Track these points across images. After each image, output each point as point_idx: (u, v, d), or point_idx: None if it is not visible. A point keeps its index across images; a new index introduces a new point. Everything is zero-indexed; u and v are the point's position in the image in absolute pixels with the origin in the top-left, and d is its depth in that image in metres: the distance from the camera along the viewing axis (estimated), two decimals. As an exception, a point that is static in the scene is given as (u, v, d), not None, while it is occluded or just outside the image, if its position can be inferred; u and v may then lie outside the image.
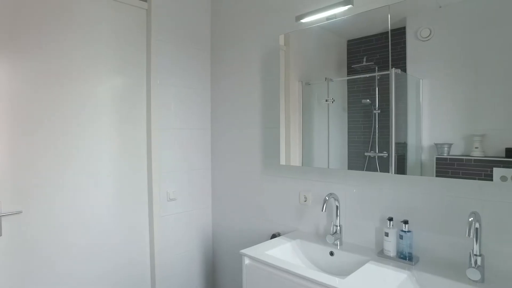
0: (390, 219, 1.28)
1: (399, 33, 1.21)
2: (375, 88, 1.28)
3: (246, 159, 1.92)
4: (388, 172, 1.25)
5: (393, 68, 1.21)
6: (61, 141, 1.52)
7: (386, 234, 1.27)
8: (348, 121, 1.37)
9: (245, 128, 1.92)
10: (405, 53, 1.19)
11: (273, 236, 1.71)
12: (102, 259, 1.67)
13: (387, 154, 1.25)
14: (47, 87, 1.47)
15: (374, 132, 1.29)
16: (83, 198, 1.59)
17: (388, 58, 1.24)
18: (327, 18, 1.47)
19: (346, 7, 1.41)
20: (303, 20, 1.53)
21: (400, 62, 1.20)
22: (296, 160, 1.58)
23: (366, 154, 1.32)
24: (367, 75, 1.31)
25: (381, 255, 1.29)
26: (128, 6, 1.74)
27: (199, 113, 2.07)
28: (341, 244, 1.44)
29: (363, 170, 1.33)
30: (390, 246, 1.26)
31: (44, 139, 1.47)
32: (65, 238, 1.53)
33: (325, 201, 1.35)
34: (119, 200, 1.74)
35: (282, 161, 1.63)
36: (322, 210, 1.34)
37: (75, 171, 1.56)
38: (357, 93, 1.34)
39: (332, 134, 1.44)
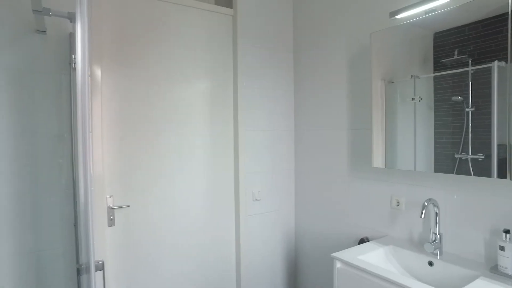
0: (507, 231, 1.11)
1: (499, 20, 1.05)
2: (468, 84, 1.14)
3: (330, 161, 1.90)
4: (489, 176, 1.10)
5: (496, 61, 1.06)
6: (162, 142, 1.73)
7: (502, 248, 1.12)
8: (435, 120, 1.25)
9: (330, 129, 1.90)
10: (506, 42, 1.02)
11: (361, 240, 1.67)
12: (193, 253, 1.83)
13: (483, 156, 1.11)
14: (150, 92, 1.70)
15: (466, 132, 1.15)
16: (178, 195, 1.78)
17: (485, 49, 1.08)
18: (426, 12, 1.33)
19: None
20: (398, 16, 1.41)
21: (501, 53, 1.04)
22: (379, 161, 1.51)
23: (456, 156, 1.19)
24: (459, 70, 1.17)
25: (494, 271, 1.14)
26: (216, 14, 1.91)
27: (282, 115, 2.12)
28: (441, 254, 1.32)
29: (453, 173, 1.20)
30: (507, 263, 1.11)
31: (147, 141, 1.69)
32: (163, 230, 1.74)
33: (423, 206, 1.27)
34: (209, 198, 1.89)
35: (373, 163, 1.56)
36: (421, 216, 1.26)
37: (172, 171, 1.76)
38: (445, 90, 1.21)
39: (417, 134, 1.34)
